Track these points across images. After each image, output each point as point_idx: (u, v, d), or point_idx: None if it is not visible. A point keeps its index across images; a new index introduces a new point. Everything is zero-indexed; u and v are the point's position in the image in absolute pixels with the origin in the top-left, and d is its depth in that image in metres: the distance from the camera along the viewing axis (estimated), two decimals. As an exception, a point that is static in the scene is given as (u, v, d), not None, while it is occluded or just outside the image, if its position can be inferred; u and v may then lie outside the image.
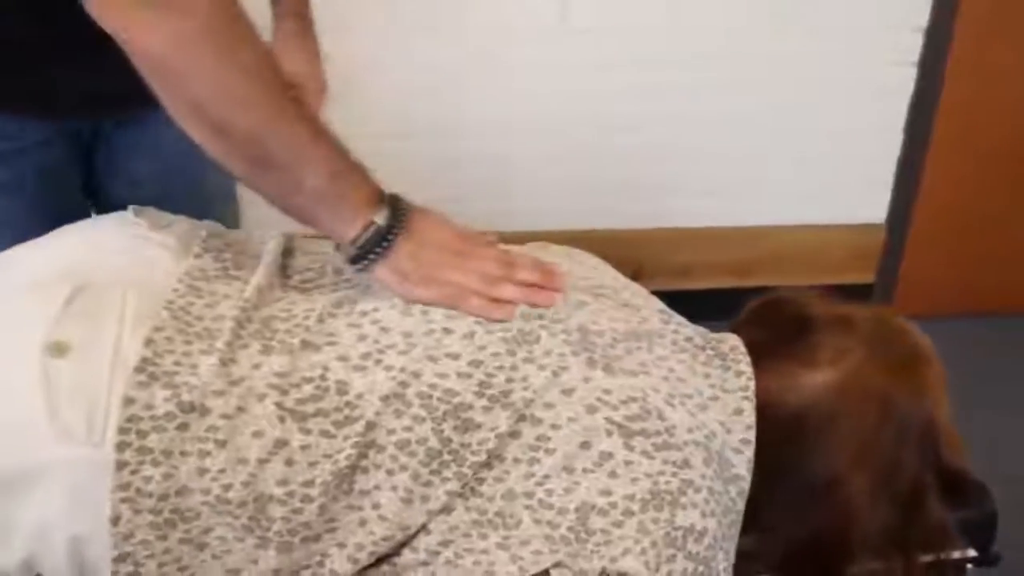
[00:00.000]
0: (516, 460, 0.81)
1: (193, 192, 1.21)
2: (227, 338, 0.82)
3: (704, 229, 2.35)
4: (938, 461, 0.90)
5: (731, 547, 0.84)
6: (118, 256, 0.90)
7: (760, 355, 0.91)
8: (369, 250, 0.87)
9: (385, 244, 0.87)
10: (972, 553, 0.95)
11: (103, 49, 0.99)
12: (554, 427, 0.81)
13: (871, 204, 2.39)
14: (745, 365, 0.90)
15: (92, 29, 0.96)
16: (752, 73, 2.18)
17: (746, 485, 0.85)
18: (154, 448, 0.76)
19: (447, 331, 0.85)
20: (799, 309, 0.95)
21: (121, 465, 0.76)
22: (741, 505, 0.85)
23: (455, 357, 0.83)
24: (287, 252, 0.97)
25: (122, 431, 0.76)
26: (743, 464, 0.85)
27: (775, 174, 2.32)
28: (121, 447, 0.76)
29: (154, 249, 0.91)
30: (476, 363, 0.83)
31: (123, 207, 0.98)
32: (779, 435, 0.87)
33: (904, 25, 2.18)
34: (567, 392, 0.83)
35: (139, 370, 0.78)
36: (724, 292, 2.22)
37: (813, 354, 0.90)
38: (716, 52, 2.14)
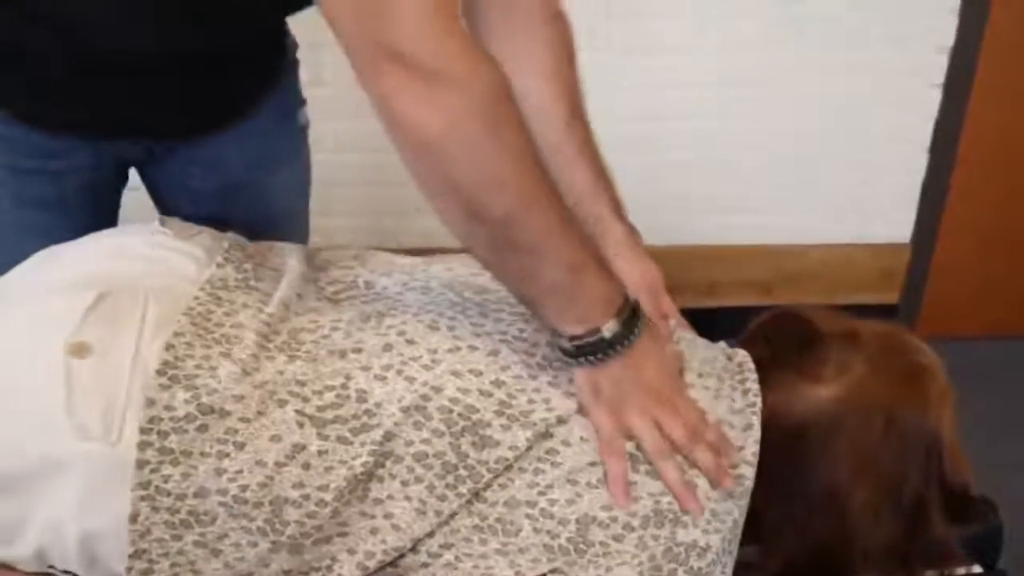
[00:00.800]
0: (522, 470, 0.82)
1: (259, 205, 1.21)
2: (252, 350, 0.83)
3: (729, 247, 2.35)
4: (941, 476, 0.90)
5: (729, 561, 0.85)
6: (143, 263, 0.92)
7: (767, 370, 0.92)
8: (582, 355, 0.84)
9: (600, 357, 0.84)
10: (977, 569, 0.95)
11: (149, 82, 1.02)
12: (565, 444, 0.83)
13: (896, 223, 2.37)
14: (752, 382, 0.91)
15: (135, 61, 1.00)
16: (778, 92, 2.18)
17: (748, 497, 0.86)
18: (174, 448, 0.79)
19: (472, 348, 0.86)
20: (806, 324, 0.95)
21: (142, 464, 0.78)
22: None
23: (478, 374, 0.84)
24: (318, 266, 0.99)
25: (143, 431, 0.78)
26: (752, 477, 0.86)
27: (800, 193, 2.31)
28: (142, 446, 0.78)
29: (178, 258, 0.93)
30: (498, 383, 0.84)
31: (186, 220, 1.01)
32: (783, 448, 0.88)
33: (929, 45, 2.17)
34: (582, 412, 0.85)
35: (160, 373, 0.80)
36: (748, 310, 2.20)
37: (818, 369, 0.91)
38: (742, 71, 2.14)
